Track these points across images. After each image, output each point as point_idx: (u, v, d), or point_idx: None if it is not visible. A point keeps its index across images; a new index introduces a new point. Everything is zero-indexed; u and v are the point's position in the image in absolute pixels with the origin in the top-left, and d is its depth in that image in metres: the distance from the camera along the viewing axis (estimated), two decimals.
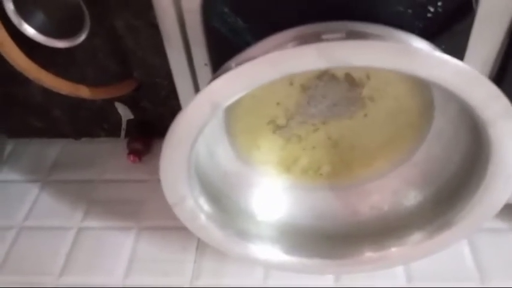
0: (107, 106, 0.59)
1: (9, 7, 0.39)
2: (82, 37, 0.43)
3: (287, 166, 0.39)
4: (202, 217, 0.33)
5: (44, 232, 0.51)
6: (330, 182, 0.40)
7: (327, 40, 0.23)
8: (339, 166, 0.39)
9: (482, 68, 0.34)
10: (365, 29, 0.25)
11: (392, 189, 0.38)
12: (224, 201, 0.36)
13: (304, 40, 0.25)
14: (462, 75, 0.23)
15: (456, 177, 0.33)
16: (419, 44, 0.26)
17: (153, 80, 0.55)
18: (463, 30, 0.30)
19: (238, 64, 0.25)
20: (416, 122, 0.35)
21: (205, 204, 0.34)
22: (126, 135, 0.61)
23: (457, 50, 0.32)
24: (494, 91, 0.24)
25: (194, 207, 0.33)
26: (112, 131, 0.62)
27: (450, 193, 0.33)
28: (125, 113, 0.58)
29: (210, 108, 0.25)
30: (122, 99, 0.57)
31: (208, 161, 0.35)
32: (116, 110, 0.59)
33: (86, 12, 0.42)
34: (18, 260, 0.48)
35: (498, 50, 0.33)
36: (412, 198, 0.36)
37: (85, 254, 0.49)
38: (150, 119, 0.59)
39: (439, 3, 0.29)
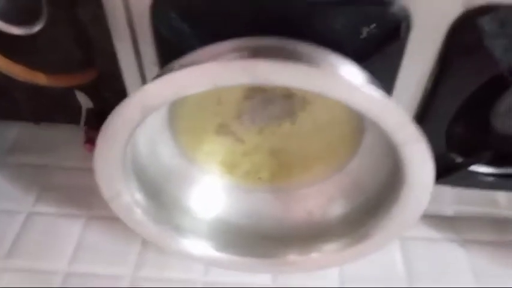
0: (68, 93, 0.59)
1: None
2: (38, 26, 0.43)
3: (229, 167, 0.41)
4: (139, 212, 0.35)
5: None
6: (270, 185, 0.42)
7: (254, 57, 0.24)
8: (279, 170, 0.41)
9: (415, 90, 0.36)
10: (296, 48, 0.27)
11: (327, 195, 0.40)
12: (163, 197, 0.37)
13: (234, 54, 0.26)
14: (373, 102, 0.25)
15: (381, 190, 0.35)
16: (346, 66, 0.28)
17: (114, 70, 0.55)
18: (394, 53, 0.32)
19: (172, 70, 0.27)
20: (349, 133, 0.37)
21: (142, 199, 0.35)
22: (86, 124, 0.61)
23: (389, 72, 0.34)
24: (402, 118, 0.26)
25: (130, 202, 0.34)
26: (72, 118, 0.62)
27: (373, 206, 0.35)
28: (84, 101, 0.59)
29: (140, 111, 0.26)
30: (83, 88, 0.58)
31: (148, 155, 0.36)
32: (76, 96, 0.59)
33: (43, 1, 0.42)
34: None
35: (429, 74, 0.35)
36: (341, 207, 0.38)
37: (32, 238, 0.50)
38: (110, 108, 0.59)
39: (372, 26, 0.31)
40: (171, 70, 0.27)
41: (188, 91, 0.26)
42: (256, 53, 0.26)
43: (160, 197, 0.37)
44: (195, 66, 0.24)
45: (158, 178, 0.37)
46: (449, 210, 0.52)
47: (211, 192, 0.41)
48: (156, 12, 0.32)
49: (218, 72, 0.24)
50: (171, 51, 0.34)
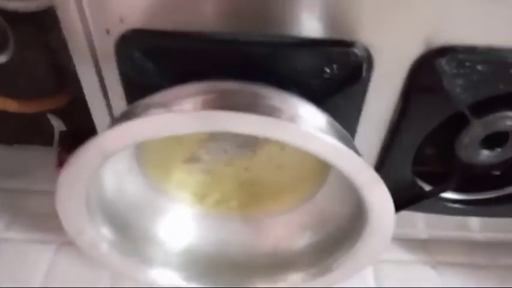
0: (41, 115, 0.58)
1: None
2: (5, 56, 0.43)
3: (199, 197, 0.41)
4: (104, 246, 0.35)
5: None
6: (240, 213, 0.42)
7: (212, 106, 0.24)
8: (248, 200, 0.41)
9: (379, 124, 0.37)
10: (256, 92, 0.27)
11: (296, 225, 0.40)
12: (131, 229, 0.37)
13: (194, 98, 0.27)
14: (330, 149, 0.25)
15: (346, 223, 0.36)
16: (306, 109, 0.28)
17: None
18: (357, 92, 0.33)
19: (136, 114, 0.27)
20: (316, 164, 0.37)
21: (108, 233, 0.35)
22: (59, 145, 0.61)
23: (353, 110, 0.34)
24: (359, 164, 0.26)
25: (95, 237, 0.34)
26: (46, 139, 0.62)
27: (339, 237, 0.36)
28: (57, 124, 0.59)
29: (99, 156, 0.26)
30: (55, 111, 0.57)
31: (115, 188, 0.36)
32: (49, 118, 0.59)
33: (9, 31, 0.42)
34: None
35: (393, 109, 0.36)
36: (308, 237, 0.39)
37: (2, 265, 0.49)
38: (83, 130, 0.59)
39: (335, 66, 0.32)
40: (134, 113, 0.27)
41: (146, 138, 0.26)
42: (215, 100, 0.26)
43: (128, 229, 0.37)
44: (152, 116, 0.24)
45: (126, 211, 0.37)
46: (422, 234, 0.53)
47: (181, 222, 0.41)
48: (120, 50, 0.32)
49: (176, 122, 0.24)
50: (136, 88, 0.34)
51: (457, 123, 0.36)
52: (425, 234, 0.53)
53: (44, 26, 0.47)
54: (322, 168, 0.37)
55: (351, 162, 0.27)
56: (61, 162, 0.58)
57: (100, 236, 0.33)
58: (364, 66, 0.31)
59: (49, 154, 0.60)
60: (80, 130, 0.59)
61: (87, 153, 0.26)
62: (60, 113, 0.58)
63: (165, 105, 0.27)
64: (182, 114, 0.24)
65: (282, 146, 0.36)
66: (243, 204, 0.41)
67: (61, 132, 0.60)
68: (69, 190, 0.29)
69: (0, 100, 0.48)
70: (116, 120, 0.29)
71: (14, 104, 0.49)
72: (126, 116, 0.28)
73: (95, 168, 0.27)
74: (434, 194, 0.40)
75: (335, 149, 0.26)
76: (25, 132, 0.61)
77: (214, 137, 0.36)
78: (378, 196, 0.28)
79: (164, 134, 0.25)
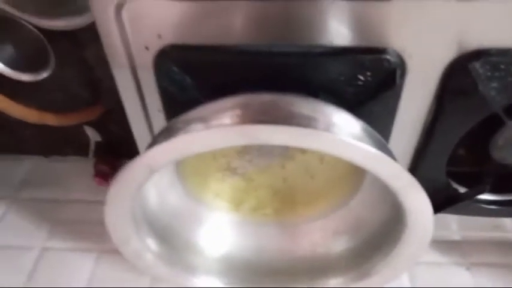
0: (77, 127, 0.60)
1: None
2: (46, 73, 0.45)
3: (236, 205, 0.42)
4: (149, 256, 0.36)
5: (8, 250, 0.53)
6: (276, 220, 0.43)
7: (253, 120, 0.25)
8: (283, 206, 0.42)
9: (413, 128, 0.37)
10: (293, 104, 0.28)
11: (332, 230, 0.41)
12: (172, 238, 0.39)
13: (237, 112, 0.27)
14: (367, 156, 0.26)
15: (383, 228, 0.36)
16: (342, 117, 0.29)
17: (120, 106, 0.57)
18: (390, 98, 0.33)
19: (178, 129, 0.28)
20: (352, 170, 0.38)
21: (152, 244, 0.36)
22: (95, 155, 0.63)
23: (387, 116, 0.35)
24: (397, 169, 0.27)
25: (140, 248, 0.35)
26: (81, 150, 0.64)
27: (377, 242, 0.36)
28: (93, 135, 0.61)
29: (147, 171, 0.27)
30: (90, 123, 0.59)
31: (157, 200, 0.37)
32: (85, 130, 0.61)
33: (50, 49, 0.44)
34: None
35: (426, 113, 0.36)
36: (345, 242, 0.39)
37: (46, 274, 0.51)
38: (117, 141, 0.61)
39: (368, 73, 0.32)
40: (175, 128, 0.28)
41: (192, 153, 0.27)
42: (255, 113, 0.27)
43: (171, 239, 0.38)
44: (197, 132, 0.25)
45: (167, 221, 0.38)
46: (455, 235, 0.52)
47: (219, 229, 0.42)
48: (159, 65, 0.33)
49: (219, 137, 0.25)
50: (174, 101, 0.36)
51: (490, 124, 0.36)
52: (458, 235, 0.53)
53: (81, 42, 0.49)
54: (357, 175, 0.38)
55: (388, 167, 0.27)
56: (98, 172, 0.59)
57: (145, 246, 0.35)
58: (398, 72, 0.32)
59: (85, 164, 0.62)
60: (115, 140, 0.62)
61: (135, 169, 0.27)
62: (95, 125, 0.60)
63: (204, 120, 0.28)
64: (225, 130, 0.25)
65: (317, 153, 0.37)
66: (278, 211, 0.42)
67: (96, 143, 0.62)
68: (117, 203, 0.30)
69: (40, 114, 0.50)
70: (158, 136, 0.30)
71: (52, 117, 0.51)
72: (168, 132, 0.29)
73: (141, 183, 0.28)
74: (471, 196, 0.40)
75: (372, 155, 0.27)
76: (62, 143, 0.63)
77: (250, 146, 0.37)
78: (416, 200, 0.29)
79: (209, 149, 0.26)
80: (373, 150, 0.26)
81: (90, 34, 0.47)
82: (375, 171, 0.27)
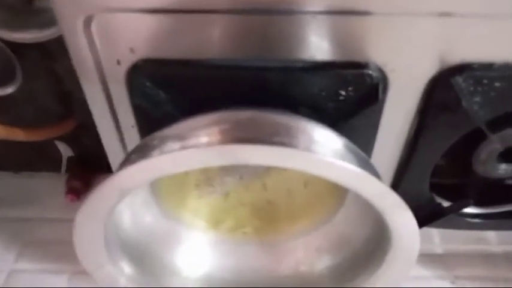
0: (47, 141, 0.58)
1: None
2: (12, 87, 0.42)
3: (214, 224, 0.40)
4: (123, 281, 0.34)
5: None
6: (257, 238, 0.41)
7: (230, 140, 0.24)
8: (264, 224, 0.40)
9: (396, 143, 0.36)
10: (272, 121, 0.27)
11: (315, 247, 0.40)
12: (147, 260, 0.37)
13: (214, 129, 0.26)
14: (351, 176, 0.25)
15: (366, 246, 0.35)
16: (324, 134, 0.28)
17: (93, 119, 0.55)
18: (373, 113, 0.33)
19: (153, 147, 0.26)
20: (335, 186, 0.37)
21: (126, 267, 0.34)
22: (68, 171, 0.61)
23: (369, 130, 0.34)
24: (381, 188, 0.26)
25: (113, 272, 0.33)
26: (53, 166, 0.61)
27: (359, 263, 0.35)
28: (64, 150, 0.58)
29: (118, 193, 0.26)
30: (62, 137, 0.57)
31: (131, 221, 0.36)
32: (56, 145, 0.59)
33: (16, 62, 0.42)
34: None
35: (409, 128, 0.35)
36: (328, 259, 0.38)
37: None
38: (90, 156, 0.59)
39: (350, 88, 0.31)
40: (150, 146, 0.27)
41: (165, 174, 0.25)
42: (231, 131, 0.25)
43: (146, 260, 0.36)
44: (170, 152, 0.24)
45: (143, 242, 0.36)
46: (438, 248, 0.52)
47: (198, 249, 0.40)
48: (132, 80, 0.32)
49: (195, 157, 0.24)
50: (147, 116, 0.34)
51: (473, 138, 0.35)
52: (441, 249, 0.52)
53: (50, 54, 0.47)
54: (340, 191, 0.37)
55: (372, 187, 0.26)
56: (70, 189, 0.57)
57: (118, 270, 0.33)
58: (380, 87, 0.31)
59: (57, 181, 0.60)
60: (88, 156, 0.59)
61: (105, 191, 0.25)
62: (67, 139, 0.57)
63: (181, 138, 0.26)
64: (202, 150, 0.24)
65: (296, 173, 0.36)
66: (258, 230, 0.41)
67: (69, 158, 0.59)
68: (87, 227, 0.28)
69: (7, 130, 0.47)
70: (131, 154, 0.29)
71: (21, 133, 0.49)
72: (141, 150, 0.27)
73: (112, 205, 0.27)
74: (455, 210, 0.39)
75: (355, 175, 0.26)
76: (32, 159, 0.60)
77: (222, 171, 0.36)
78: (402, 220, 0.28)
79: (183, 169, 0.25)
80: (356, 169, 0.25)
81: (60, 46, 0.45)
82: (359, 191, 0.26)
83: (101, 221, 0.28)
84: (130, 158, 0.27)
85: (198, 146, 0.24)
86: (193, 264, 0.40)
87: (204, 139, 0.26)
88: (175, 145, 0.26)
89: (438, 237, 0.52)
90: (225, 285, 0.40)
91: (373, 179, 0.25)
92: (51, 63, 0.48)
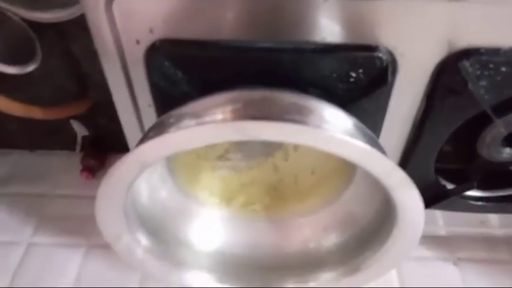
0: (62, 120, 0.60)
1: None
2: (33, 65, 0.44)
3: (226, 200, 0.42)
4: (140, 251, 0.36)
5: None
6: (267, 215, 0.43)
7: (244, 116, 0.25)
8: (273, 202, 0.42)
9: (403, 125, 0.37)
10: (285, 100, 0.28)
11: (322, 225, 0.41)
12: (162, 233, 0.38)
13: (228, 107, 0.27)
14: (360, 153, 0.26)
15: (373, 223, 0.36)
16: (333, 114, 0.29)
17: (108, 99, 0.56)
18: (381, 95, 0.34)
19: (170, 124, 0.28)
20: (343, 165, 0.38)
21: (142, 239, 0.36)
22: (82, 150, 0.62)
23: (378, 112, 0.35)
24: (389, 166, 0.27)
25: (131, 243, 0.35)
26: (67, 145, 0.63)
27: (368, 237, 0.36)
28: (79, 129, 0.60)
29: (139, 167, 0.27)
30: (77, 116, 0.58)
31: (148, 196, 0.37)
32: (71, 124, 0.60)
33: (37, 41, 0.43)
34: None
35: (416, 110, 0.36)
36: (336, 236, 0.39)
37: (33, 270, 0.50)
38: (105, 135, 0.61)
39: (360, 71, 0.33)
40: (168, 124, 0.28)
41: (183, 149, 0.27)
42: (247, 109, 0.27)
43: (161, 234, 0.38)
44: (190, 128, 0.25)
45: (158, 216, 0.38)
46: (442, 230, 0.53)
47: (210, 225, 0.42)
48: (150, 60, 0.33)
49: (212, 133, 0.25)
50: (164, 95, 0.35)
51: (478, 122, 0.36)
52: (445, 231, 0.54)
53: (68, 34, 0.48)
54: (348, 170, 0.38)
55: (381, 164, 0.27)
56: (84, 167, 0.59)
57: (136, 241, 0.34)
58: (389, 70, 0.32)
59: (71, 159, 0.61)
60: (102, 134, 0.61)
61: (127, 165, 0.27)
62: (82, 119, 0.59)
63: (196, 116, 0.27)
64: (217, 126, 0.25)
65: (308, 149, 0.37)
66: (267, 207, 0.42)
67: (83, 137, 0.61)
68: (108, 200, 0.30)
69: (26, 108, 0.49)
70: (149, 131, 0.30)
71: (39, 111, 0.50)
72: (159, 127, 0.29)
73: (133, 179, 0.28)
74: (458, 192, 0.40)
75: (364, 152, 0.27)
76: (48, 138, 0.62)
77: (241, 142, 0.37)
78: (408, 197, 0.29)
79: (200, 145, 0.26)
80: (366, 146, 0.26)
81: (77, 27, 0.46)
82: (367, 168, 0.27)
83: (121, 193, 0.29)
84: (148, 135, 0.29)
85: (213, 122, 0.25)
86: (206, 239, 0.41)
87: (218, 116, 0.27)
88: (191, 122, 0.27)
89: (442, 220, 0.54)
90: (235, 260, 0.41)
91: (381, 157, 0.26)
92: (69, 44, 0.49)
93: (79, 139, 0.61)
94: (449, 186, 0.43)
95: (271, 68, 0.33)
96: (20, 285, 0.49)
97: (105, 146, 0.61)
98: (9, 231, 0.54)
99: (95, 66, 0.51)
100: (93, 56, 0.50)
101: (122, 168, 0.27)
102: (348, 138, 0.25)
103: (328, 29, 0.32)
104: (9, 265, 0.51)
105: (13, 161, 0.62)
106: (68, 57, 0.50)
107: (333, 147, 0.26)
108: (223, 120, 0.25)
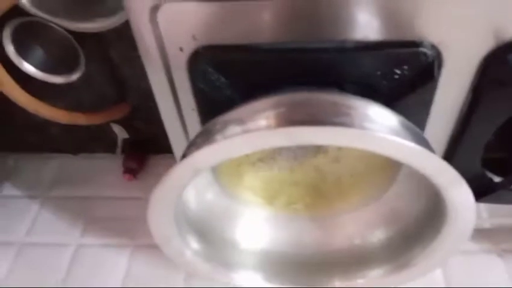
0: (103, 124, 0.61)
1: (10, 49, 0.41)
2: (77, 74, 0.45)
3: (270, 200, 0.42)
4: (188, 253, 0.37)
5: (44, 248, 0.55)
6: (310, 213, 0.43)
7: (292, 121, 0.26)
8: (318, 199, 0.42)
9: (448, 118, 0.37)
10: (330, 101, 0.28)
11: (366, 222, 0.41)
12: (209, 235, 0.39)
13: (273, 111, 0.28)
14: (409, 153, 0.26)
15: (420, 219, 0.36)
16: (379, 113, 0.29)
17: (146, 103, 0.57)
18: (427, 91, 0.33)
19: (216, 131, 0.28)
20: (387, 163, 0.38)
21: (192, 241, 0.37)
22: (123, 152, 0.64)
23: (423, 108, 0.35)
24: (441, 165, 0.27)
25: (181, 245, 0.36)
26: (109, 147, 0.65)
27: (412, 235, 0.36)
28: (120, 132, 0.61)
29: (192, 172, 0.28)
30: (117, 120, 0.60)
31: (196, 200, 0.38)
32: (112, 128, 0.62)
33: (80, 51, 0.44)
34: (19, 276, 0.52)
35: (462, 104, 0.36)
36: (381, 233, 0.39)
37: (82, 270, 0.52)
38: (144, 138, 0.62)
39: (405, 67, 0.32)
40: (214, 130, 0.28)
41: (235, 155, 0.27)
42: (293, 113, 0.27)
43: (209, 236, 0.39)
44: (241, 135, 0.25)
45: (205, 218, 0.39)
46: (486, 223, 0.52)
47: (255, 224, 0.42)
48: (193, 66, 0.34)
49: (262, 139, 0.26)
50: (208, 100, 0.36)
51: None
52: (489, 223, 0.53)
53: (107, 42, 0.49)
54: (391, 169, 0.38)
55: (431, 163, 0.27)
56: (126, 169, 0.60)
57: (185, 244, 0.35)
58: (435, 65, 0.32)
59: (113, 161, 0.63)
60: (141, 137, 0.62)
61: (181, 171, 0.28)
62: (122, 122, 0.61)
63: (242, 122, 0.28)
64: (270, 132, 0.25)
65: (350, 150, 0.37)
66: (309, 206, 0.42)
67: (123, 140, 0.62)
68: (161, 204, 0.31)
69: (70, 115, 0.50)
70: (197, 138, 0.30)
71: (82, 117, 0.52)
72: (206, 134, 0.29)
73: (186, 184, 0.29)
74: (506, 185, 0.39)
75: (416, 152, 0.27)
76: (90, 141, 0.64)
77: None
78: (460, 195, 0.29)
79: (252, 151, 0.27)
80: (416, 146, 0.26)
81: (116, 34, 0.47)
82: (417, 168, 0.27)
83: (173, 198, 0.30)
84: (195, 142, 0.29)
85: (263, 128, 0.25)
86: (251, 238, 0.42)
87: (266, 122, 0.27)
88: (237, 129, 0.27)
89: (486, 212, 0.53)
90: (281, 258, 0.42)
91: (432, 156, 0.26)
92: (108, 51, 0.50)
93: (120, 142, 0.62)
94: (495, 178, 0.42)
95: (313, 68, 0.33)
96: (70, 285, 0.51)
97: (144, 148, 0.62)
98: (58, 233, 0.56)
99: (134, 72, 0.53)
100: (131, 62, 0.51)
101: (176, 174, 0.28)
102: (399, 140, 0.25)
103: (370, 26, 0.31)
104: (60, 266, 0.53)
105: (57, 165, 0.64)
106: (108, 63, 0.52)
107: (384, 148, 0.26)
108: (274, 127, 0.26)
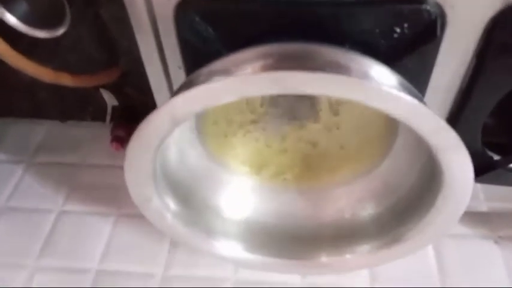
0: (92, 91, 0.59)
1: None
2: (62, 29, 0.43)
3: (257, 169, 0.41)
4: (169, 216, 0.35)
5: (25, 214, 0.53)
6: (299, 185, 0.41)
7: (282, 67, 0.24)
8: (305, 172, 0.40)
9: (449, 87, 0.35)
10: (323, 53, 0.26)
11: (357, 196, 0.39)
12: (192, 199, 0.38)
13: (262, 62, 0.26)
14: (407, 108, 0.24)
15: (413, 193, 0.34)
16: (377, 70, 0.27)
17: (137, 68, 0.55)
18: (428, 52, 0.31)
19: (200, 81, 0.26)
20: (382, 134, 0.36)
21: (171, 203, 0.35)
22: (112, 120, 0.62)
23: (423, 71, 0.33)
24: (439, 123, 0.25)
25: (160, 207, 0.34)
26: (98, 115, 0.63)
27: (404, 210, 0.34)
28: (109, 99, 0.59)
29: (170, 122, 0.26)
30: (107, 86, 0.58)
31: (177, 159, 0.36)
32: (101, 94, 0.60)
33: (66, 4, 0.42)
34: None
35: (465, 71, 0.34)
36: (371, 207, 0.38)
37: (64, 237, 0.51)
38: (135, 105, 0.60)
39: (405, 25, 0.30)
40: (198, 81, 0.26)
41: (216, 103, 0.25)
42: (283, 61, 0.25)
43: (191, 200, 0.37)
44: (223, 79, 0.23)
45: (188, 182, 0.37)
46: (482, 206, 0.50)
47: (241, 193, 0.41)
48: (180, 16, 0.32)
49: (247, 84, 0.24)
50: (195, 54, 0.34)
51: None
52: (486, 206, 0.51)
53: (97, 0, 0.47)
54: (386, 140, 0.36)
55: (429, 121, 0.25)
56: (114, 138, 0.58)
57: (165, 205, 0.34)
58: (438, 24, 0.30)
59: (102, 130, 0.61)
60: (132, 105, 0.60)
61: (158, 119, 0.26)
62: (112, 88, 0.58)
63: (228, 72, 0.26)
64: (255, 76, 0.23)
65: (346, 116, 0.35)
66: (298, 177, 0.41)
67: (113, 108, 0.60)
68: (138, 158, 0.29)
69: (56, 74, 0.48)
70: (180, 88, 0.29)
71: (68, 78, 0.50)
72: (190, 84, 0.27)
73: (163, 136, 0.27)
74: (507, 163, 0.38)
75: (412, 107, 0.25)
76: (78, 108, 0.62)
77: (271, 109, 0.35)
78: (458, 159, 0.27)
79: (236, 98, 0.25)
80: (413, 101, 0.24)
81: None
82: (413, 126, 0.25)
83: (151, 151, 0.28)
84: (179, 92, 0.27)
85: (251, 73, 0.23)
86: (235, 207, 0.40)
87: (254, 70, 0.25)
88: (222, 78, 0.25)
89: (483, 194, 0.51)
90: (266, 229, 0.40)
91: (430, 113, 0.24)
92: (98, 9, 0.48)
93: (109, 109, 0.60)
94: (496, 157, 0.40)
95: (308, 22, 0.31)
96: (51, 251, 0.49)
97: (134, 116, 0.60)
98: (41, 199, 0.54)
99: (124, 34, 0.51)
100: (123, 23, 0.49)
101: (153, 124, 0.26)
102: (395, 91, 0.23)
103: None
104: (42, 231, 0.51)
105: (44, 131, 0.63)
106: (97, 23, 0.49)
107: (378, 101, 0.24)
108: (256, 72, 0.23)
